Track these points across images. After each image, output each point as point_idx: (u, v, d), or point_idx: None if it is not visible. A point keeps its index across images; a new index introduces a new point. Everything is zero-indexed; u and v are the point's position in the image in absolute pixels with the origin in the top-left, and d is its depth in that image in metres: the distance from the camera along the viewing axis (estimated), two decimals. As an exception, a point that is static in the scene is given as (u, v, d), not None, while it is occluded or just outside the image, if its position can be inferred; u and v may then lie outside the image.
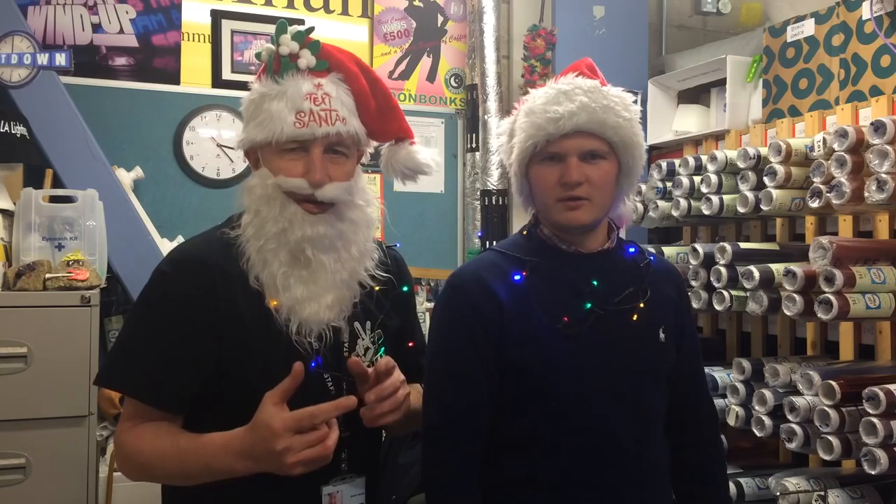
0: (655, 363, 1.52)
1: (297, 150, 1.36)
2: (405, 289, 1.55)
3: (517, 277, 1.47)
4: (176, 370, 1.35)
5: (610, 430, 1.45)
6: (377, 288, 1.48)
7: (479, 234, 3.20)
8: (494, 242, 3.21)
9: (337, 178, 1.38)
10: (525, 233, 1.57)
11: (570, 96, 1.45)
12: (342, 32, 3.32)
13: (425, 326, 3.16)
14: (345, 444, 1.36)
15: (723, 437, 1.86)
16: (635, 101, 1.51)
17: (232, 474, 1.26)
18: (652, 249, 1.74)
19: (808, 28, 2.59)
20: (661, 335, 1.52)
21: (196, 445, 1.29)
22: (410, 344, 1.56)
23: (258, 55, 1.41)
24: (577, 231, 1.50)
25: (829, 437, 1.98)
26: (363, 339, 1.46)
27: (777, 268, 2.19)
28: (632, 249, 1.57)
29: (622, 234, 1.61)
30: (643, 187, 2.74)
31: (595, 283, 1.47)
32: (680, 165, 2.66)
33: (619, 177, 1.49)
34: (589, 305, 1.46)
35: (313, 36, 1.40)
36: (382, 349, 1.48)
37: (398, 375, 1.36)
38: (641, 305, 1.49)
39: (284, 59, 1.37)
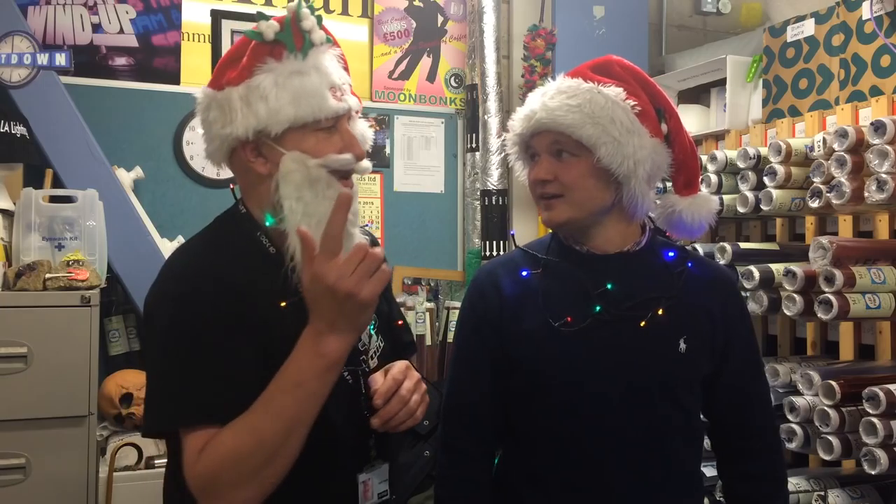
0: (667, 373, 1.46)
1: (330, 127, 1.32)
2: None
3: (524, 273, 1.50)
4: (238, 383, 1.22)
5: (605, 436, 1.43)
6: None
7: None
8: (495, 243, 3.23)
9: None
10: (551, 231, 1.58)
11: (543, 95, 1.47)
12: (342, 32, 3.32)
13: (425, 327, 3.17)
14: (371, 431, 1.35)
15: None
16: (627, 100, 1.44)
17: (326, 374, 1.17)
18: (700, 254, 1.66)
19: (808, 28, 2.59)
20: (682, 345, 1.45)
21: (274, 387, 1.17)
22: (399, 323, 1.56)
23: (257, 35, 1.32)
24: (558, 229, 1.51)
25: (829, 437, 1.98)
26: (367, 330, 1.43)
27: (777, 268, 2.19)
28: (671, 254, 1.52)
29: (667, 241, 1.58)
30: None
31: (610, 286, 1.44)
32: (680, 165, 2.65)
33: (618, 177, 1.42)
34: (598, 308, 1.43)
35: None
36: (378, 335, 1.47)
37: (409, 382, 1.35)
38: (660, 312, 1.44)
39: (306, 34, 1.33)
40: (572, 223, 1.47)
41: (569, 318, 1.43)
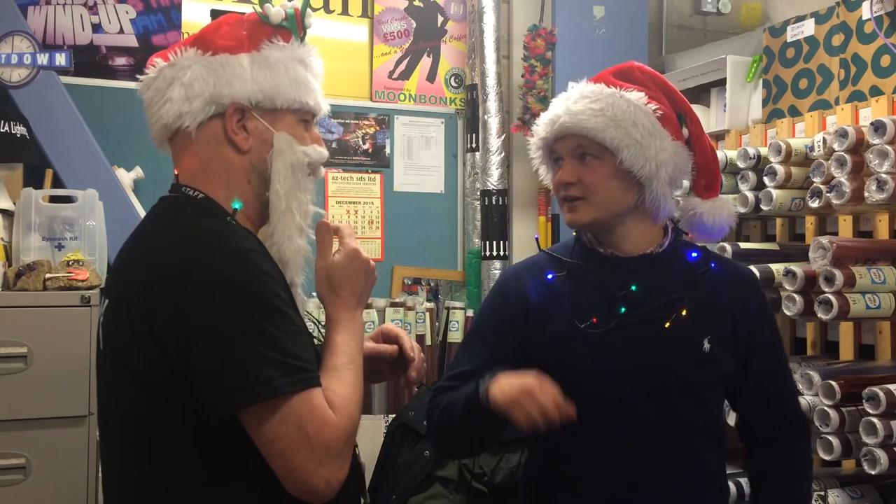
0: (692, 373, 1.48)
1: (307, 122, 1.34)
2: None
3: (549, 276, 1.52)
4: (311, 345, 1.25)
5: (629, 436, 1.44)
6: None
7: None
8: (495, 243, 3.22)
9: None
10: (575, 234, 1.60)
11: (567, 100, 1.51)
12: (342, 32, 3.32)
13: (425, 327, 3.17)
14: None
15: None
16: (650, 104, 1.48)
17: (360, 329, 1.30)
18: (721, 253, 1.70)
19: (808, 28, 2.59)
20: (706, 345, 1.48)
21: (342, 352, 1.25)
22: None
23: (264, 17, 1.31)
24: (582, 230, 1.54)
25: (829, 437, 1.98)
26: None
27: (777, 268, 2.19)
28: (694, 254, 1.54)
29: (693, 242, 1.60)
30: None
31: (634, 287, 1.47)
32: (680, 165, 2.65)
33: (640, 179, 1.46)
34: (623, 310, 1.45)
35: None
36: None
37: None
38: (684, 313, 1.46)
39: (306, 29, 1.35)
40: (596, 224, 1.50)
41: (594, 319, 1.45)
